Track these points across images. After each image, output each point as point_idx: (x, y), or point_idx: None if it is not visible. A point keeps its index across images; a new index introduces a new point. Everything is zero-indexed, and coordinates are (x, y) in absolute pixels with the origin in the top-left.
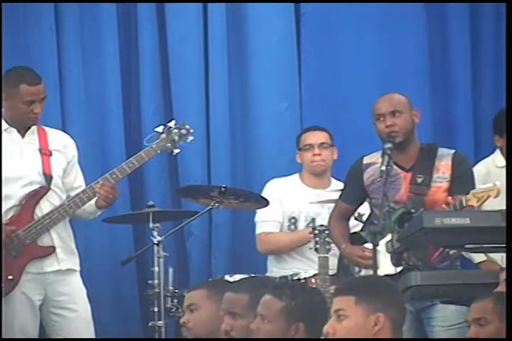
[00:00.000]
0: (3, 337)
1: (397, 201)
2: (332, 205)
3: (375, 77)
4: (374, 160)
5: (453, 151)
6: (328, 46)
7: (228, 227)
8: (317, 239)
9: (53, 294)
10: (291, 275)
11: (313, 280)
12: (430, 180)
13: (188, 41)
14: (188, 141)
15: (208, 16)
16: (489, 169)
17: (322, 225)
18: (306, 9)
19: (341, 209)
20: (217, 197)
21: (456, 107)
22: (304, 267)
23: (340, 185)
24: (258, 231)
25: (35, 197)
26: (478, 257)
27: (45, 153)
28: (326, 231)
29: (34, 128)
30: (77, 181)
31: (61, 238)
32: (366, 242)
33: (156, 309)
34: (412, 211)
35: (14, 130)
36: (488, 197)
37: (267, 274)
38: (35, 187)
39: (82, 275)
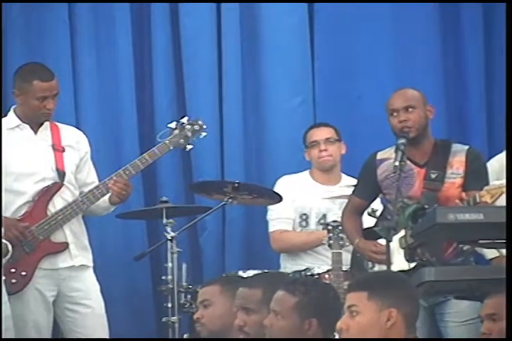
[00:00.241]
0: (16, 332)
1: (411, 197)
2: (343, 201)
3: (389, 73)
4: (388, 155)
5: (467, 147)
6: (341, 42)
7: (242, 223)
8: (330, 234)
9: (67, 290)
10: (305, 270)
11: (326, 275)
12: (444, 176)
13: (202, 37)
14: (201, 136)
15: (221, 13)
16: (503, 164)
17: (335, 221)
18: (319, 6)
19: (354, 204)
20: (230, 193)
21: (469, 103)
22: (318, 263)
23: (351, 181)
24: (272, 229)
25: (49, 193)
26: (491, 253)
27: (58, 149)
28: (340, 227)
29: (47, 124)
30: (90, 177)
31: (74, 234)
32: (380, 238)
33: (169, 305)
34: (426, 206)
35: (27, 126)
36: (502, 193)
37: (281, 270)
38: (48, 183)
39: (95, 271)
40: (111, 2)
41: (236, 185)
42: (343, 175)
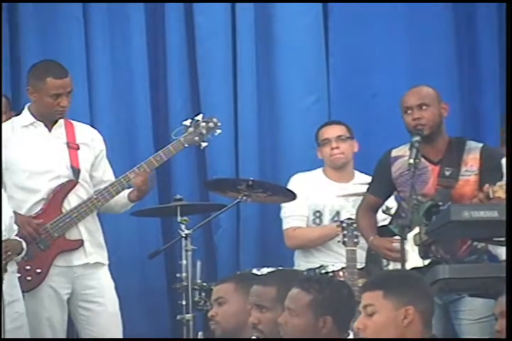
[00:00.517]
0: (30, 330)
1: (425, 194)
2: (356, 198)
3: (403, 71)
4: (402, 153)
5: (481, 145)
6: (356, 41)
7: (256, 221)
8: (345, 232)
9: (81, 288)
10: (319, 267)
11: (341, 273)
12: (458, 174)
13: (216, 37)
14: (216, 134)
15: (235, 12)
16: None
17: (350, 218)
18: (334, 6)
19: (369, 201)
20: (244, 191)
21: (484, 101)
22: (331, 260)
23: (365, 178)
24: (285, 226)
25: (64, 190)
26: (505, 254)
27: (73, 146)
28: (354, 225)
29: (61, 121)
30: (107, 175)
31: (89, 231)
32: (394, 235)
33: (184, 302)
34: (440, 204)
35: (41, 124)
36: None
37: (295, 268)
38: (63, 180)
39: (110, 269)
40: (125, 2)
41: (250, 182)
42: (356, 173)
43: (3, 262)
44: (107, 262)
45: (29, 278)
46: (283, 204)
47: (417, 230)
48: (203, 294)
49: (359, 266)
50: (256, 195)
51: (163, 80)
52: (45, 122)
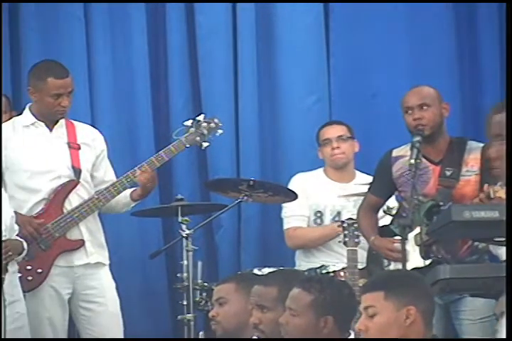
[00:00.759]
0: (31, 330)
1: (426, 194)
2: (357, 198)
3: (404, 71)
4: (403, 153)
5: (482, 145)
6: (356, 41)
7: (257, 221)
8: (346, 232)
9: (82, 288)
10: (320, 267)
11: (341, 273)
12: (459, 174)
13: (217, 37)
14: (217, 134)
15: (236, 11)
16: None
17: (351, 218)
18: (335, 6)
19: (370, 201)
20: (245, 191)
21: (485, 101)
22: (332, 260)
23: (366, 178)
24: (286, 226)
25: (65, 190)
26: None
27: (74, 146)
28: (355, 225)
29: (62, 121)
30: (108, 175)
31: (90, 231)
32: (395, 236)
33: (185, 302)
34: (441, 204)
35: (42, 124)
36: None
37: (296, 268)
38: (64, 180)
39: (111, 269)
40: (126, 2)
41: (251, 182)
42: (357, 173)
43: (4, 262)
44: (107, 262)
45: (30, 278)
46: (284, 204)
47: (417, 230)
48: (204, 294)
49: (360, 266)
50: (257, 195)
51: (164, 80)
52: (46, 122)
